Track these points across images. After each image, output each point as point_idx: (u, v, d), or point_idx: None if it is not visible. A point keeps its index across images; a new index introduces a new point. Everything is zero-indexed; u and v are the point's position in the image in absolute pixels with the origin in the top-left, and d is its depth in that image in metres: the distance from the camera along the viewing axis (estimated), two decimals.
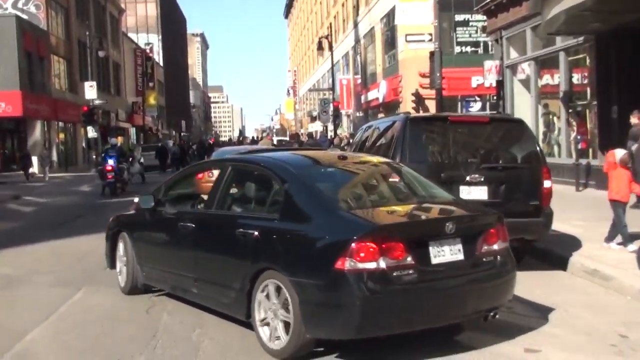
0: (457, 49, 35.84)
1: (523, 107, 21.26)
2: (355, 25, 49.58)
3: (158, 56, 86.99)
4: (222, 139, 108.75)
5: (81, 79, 45.52)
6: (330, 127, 57.91)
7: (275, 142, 34.34)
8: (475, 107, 35.85)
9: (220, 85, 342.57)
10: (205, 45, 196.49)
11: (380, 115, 42.49)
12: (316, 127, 75.96)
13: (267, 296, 5.24)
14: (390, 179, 6.37)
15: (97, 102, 41.17)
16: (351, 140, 35.05)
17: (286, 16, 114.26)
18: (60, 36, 45.54)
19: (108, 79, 57.33)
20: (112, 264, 7.83)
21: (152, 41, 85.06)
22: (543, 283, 7.56)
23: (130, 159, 26.07)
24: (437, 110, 20.19)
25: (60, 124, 44.24)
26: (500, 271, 5.41)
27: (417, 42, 26.99)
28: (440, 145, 8.11)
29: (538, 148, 8.42)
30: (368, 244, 4.70)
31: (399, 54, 37.63)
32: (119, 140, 51.89)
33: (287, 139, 49.64)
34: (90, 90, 40.18)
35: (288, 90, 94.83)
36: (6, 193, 23.76)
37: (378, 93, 40.61)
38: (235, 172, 6.34)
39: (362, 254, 4.67)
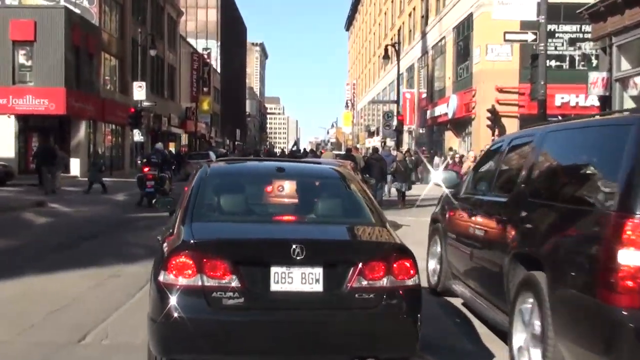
0: None
1: None
2: (423, 35, 46.49)
3: (216, 62, 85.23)
4: (276, 150, 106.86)
5: (133, 80, 43.25)
6: (389, 142, 54.75)
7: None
8: None
9: (278, 97, 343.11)
10: (264, 55, 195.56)
11: (448, 132, 39.26)
12: (374, 142, 73.07)
13: None
14: (307, 195, 5.75)
15: (145, 103, 38.68)
16: (422, 157, 31.74)
17: (347, 28, 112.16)
18: (113, 34, 43.44)
19: (162, 82, 55.24)
20: None
21: (210, 46, 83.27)
22: None
23: (173, 167, 23.22)
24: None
25: (108, 125, 42.03)
26: (384, 313, 4.49)
27: (517, 42, 23.51)
28: None
29: None
30: (183, 259, 4.30)
31: (473, 66, 34.34)
32: (172, 145, 50.16)
33: (343, 152, 46.83)
34: (138, 91, 37.71)
35: (347, 103, 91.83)
36: (33, 198, 21.22)
37: (447, 108, 37.21)
38: None
39: (177, 269, 4.29)
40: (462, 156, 31.59)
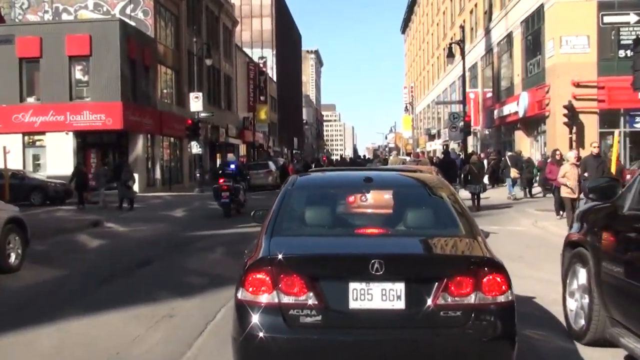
0: (621, 53, 29.81)
1: None
2: (487, 32, 44.41)
3: (272, 71, 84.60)
4: (334, 157, 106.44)
5: (190, 91, 42.57)
6: (452, 145, 52.60)
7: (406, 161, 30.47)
8: None
9: (333, 104, 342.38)
10: (319, 62, 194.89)
11: (518, 132, 37.11)
12: (435, 145, 71.09)
13: None
14: (394, 206, 5.49)
15: (202, 114, 37.79)
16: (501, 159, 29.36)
17: (403, 31, 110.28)
18: (168, 45, 42.87)
19: (219, 93, 54.58)
20: None
21: (266, 55, 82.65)
22: None
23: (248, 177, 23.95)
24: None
25: (166, 138, 41.37)
26: (473, 332, 4.06)
27: (618, 24, 21.32)
28: None
29: None
30: (259, 275, 4.19)
31: (546, 61, 32.11)
32: (231, 156, 50.22)
33: (410, 158, 45.46)
34: (195, 102, 36.85)
35: (406, 107, 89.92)
36: (89, 217, 20.36)
37: (517, 107, 35.03)
38: None
39: (253, 286, 4.19)
40: (527, 158, 29.53)
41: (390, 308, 4.12)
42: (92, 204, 25.31)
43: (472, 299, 4.14)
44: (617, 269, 5.23)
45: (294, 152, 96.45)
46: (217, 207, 20.49)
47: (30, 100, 34.22)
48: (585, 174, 14.38)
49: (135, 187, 31.61)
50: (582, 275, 5.98)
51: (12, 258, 10.47)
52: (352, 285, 4.12)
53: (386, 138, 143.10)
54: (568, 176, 14.68)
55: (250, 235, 15.21)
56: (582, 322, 5.90)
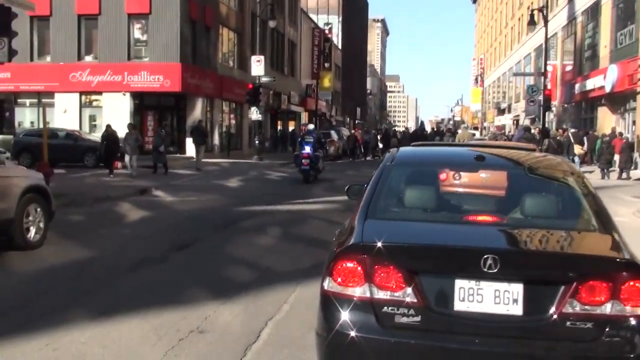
0: None
1: None
2: (570, 0, 41.06)
3: (337, 39, 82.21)
4: (398, 128, 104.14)
5: (252, 55, 40.91)
6: (524, 121, 49.59)
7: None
8: None
9: (397, 75, 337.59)
10: (385, 32, 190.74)
11: (602, 109, 34.21)
12: (504, 120, 68.00)
13: None
14: (509, 190, 4.74)
15: (264, 79, 36.08)
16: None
17: (474, 1, 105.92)
18: (231, 6, 41.22)
19: (282, 58, 52.80)
20: None
21: (331, 22, 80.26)
22: None
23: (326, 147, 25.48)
24: None
25: (226, 103, 39.94)
26: (606, 349, 3.43)
27: None
28: None
29: None
30: (349, 264, 3.68)
31: None
32: (292, 124, 48.80)
33: (491, 132, 43.03)
34: (257, 65, 35.09)
35: (476, 79, 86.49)
36: (137, 184, 19.06)
37: (604, 81, 32.10)
38: None
39: (341, 276, 3.69)
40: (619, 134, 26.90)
41: (504, 313, 3.56)
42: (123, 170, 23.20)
43: (607, 308, 3.52)
44: None
45: (356, 122, 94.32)
46: (275, 177, 19.43)
47: (88, 58, 33.20)
48: None
49: (192, 153, 30.43)
50: None
51: (32, 233, 9.00)
52: (459, 283, 3.61)
53: (452, 111, 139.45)
54: None
55: (310, 214, 13.66)
56: None
